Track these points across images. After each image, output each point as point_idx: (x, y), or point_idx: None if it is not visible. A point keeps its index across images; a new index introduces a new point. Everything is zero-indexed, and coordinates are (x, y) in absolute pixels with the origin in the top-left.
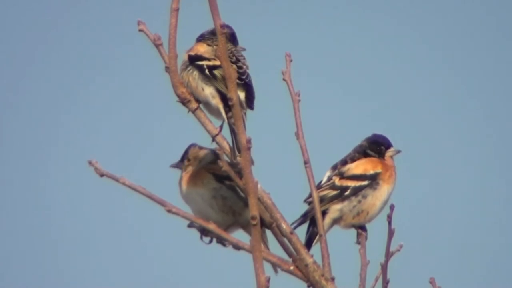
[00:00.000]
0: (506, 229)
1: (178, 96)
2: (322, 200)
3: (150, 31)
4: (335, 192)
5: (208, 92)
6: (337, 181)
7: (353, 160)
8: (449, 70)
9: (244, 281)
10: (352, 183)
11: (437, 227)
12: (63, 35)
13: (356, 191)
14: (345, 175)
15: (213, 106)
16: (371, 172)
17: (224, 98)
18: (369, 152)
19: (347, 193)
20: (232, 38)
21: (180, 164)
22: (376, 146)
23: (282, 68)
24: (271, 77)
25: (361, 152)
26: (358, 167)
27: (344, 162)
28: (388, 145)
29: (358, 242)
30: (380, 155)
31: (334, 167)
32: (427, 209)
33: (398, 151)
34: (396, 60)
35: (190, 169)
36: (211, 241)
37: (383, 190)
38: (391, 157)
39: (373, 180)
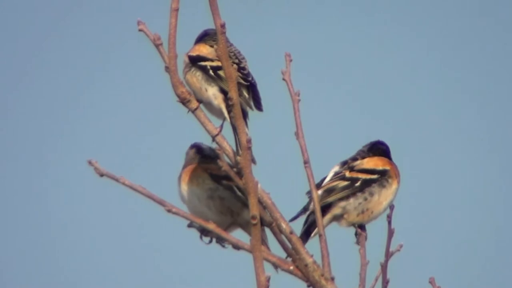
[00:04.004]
0: (506, 229)
1: (178, 96)
2: (332, 190)
3: (150, 31)
4: (346, 183)
5: (211, 93)
6: (347, 173)
7: (363, 157)
8: (450, 71)
9: (244, 281)
10: (362, 176)
11: (437, 227)
12: (63, 35)
13: (366, 184)
14: (355, 169)
15: (215, 106)
16: (381, 168)
17: (227, 99)
18: None
19: (357, 184)
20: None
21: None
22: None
23: (282, 68)
24: (271, 77)
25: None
26: (369, 162)
27: (355, 159)
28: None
29: (358, 243)
30: None
31: (344, 163)
32: (427, 209)
33: None
34: (396, 61)
35: (187, 167)
36: (210, 241)
37: (392, 190)
38: None
39: (383, 175)
